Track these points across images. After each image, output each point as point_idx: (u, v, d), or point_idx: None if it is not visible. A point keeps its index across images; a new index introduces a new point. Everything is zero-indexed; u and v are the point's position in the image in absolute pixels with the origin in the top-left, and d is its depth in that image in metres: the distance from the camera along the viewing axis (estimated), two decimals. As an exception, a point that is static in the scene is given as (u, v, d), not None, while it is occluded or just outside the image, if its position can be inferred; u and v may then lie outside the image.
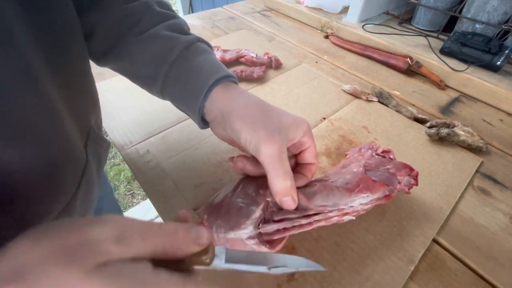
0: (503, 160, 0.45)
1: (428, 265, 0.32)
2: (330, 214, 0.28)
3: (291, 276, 0.30)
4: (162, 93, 0.33)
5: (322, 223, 0.28)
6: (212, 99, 0.29)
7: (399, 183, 0.32)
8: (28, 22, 0.21)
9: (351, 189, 0.29)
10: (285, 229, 0.27)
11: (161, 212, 0.36)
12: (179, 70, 0.31)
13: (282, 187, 0.25)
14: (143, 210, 1.37)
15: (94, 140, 0.35)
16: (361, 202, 0.29)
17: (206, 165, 0.42)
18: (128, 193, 1.45)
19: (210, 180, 0.40)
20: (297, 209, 0.27)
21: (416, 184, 0.34)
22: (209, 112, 0.30)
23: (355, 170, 0.32)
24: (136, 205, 1.40)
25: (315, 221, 0.27)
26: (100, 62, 0.35)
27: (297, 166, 0.30)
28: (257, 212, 0.26)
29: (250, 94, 0.30)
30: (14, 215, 0.24)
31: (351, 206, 0.29)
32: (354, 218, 0.29)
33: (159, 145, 0.45)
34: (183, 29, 0.34)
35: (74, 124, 0.29)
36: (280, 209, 0.27)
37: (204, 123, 0.32)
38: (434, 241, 0.35)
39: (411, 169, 0.34)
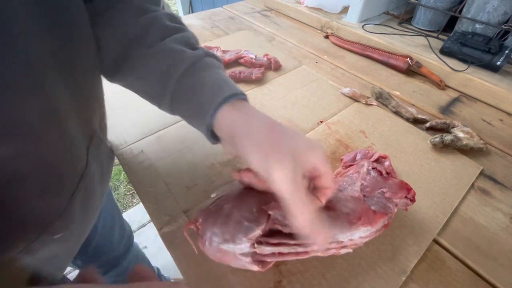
0: (503, 160, 0.45)
1: (428, 265, 0.32)
2: (329, 246, 0.28)
3: (278, 283, 0.30)
4: (172, 111, 0.32)
5: (319, 254, 0.27)
6: (219, 119, 0.28)
7: (396, 205, 0.32)
8: (39, 19, 0.20)
9: (353, 221, 0.29)
10: (280, 254, 0.26)
11: (151, 214, 0.36)
12: (186, 88, 0.30)
13: (303, 220, 0.23)
14: (143, 211, 1.37)
15: (97, 145, 0.34)
16: (361, 235, 0.29)
17: (199, 167, 0.41)
18: (128, 193, 1.45)
19: (202, 182, 0.39)
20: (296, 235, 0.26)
21: (413, 202, 0.33)
22: (218, 131, 0.29)
23: (352, 195, 0.32)
24: (136, 205, 1.40)
25: (312, 250, 0.27)
26: (109, 77, 0.34)
27: (313, 187, 0.28)
28: (256, 231, 0.26)
29: (261, 113, 0.28)
30: (8, 214, 0.24)
31: (351, 239, 0.29)
32: (351, 251, 0.29)
33: (153, 145, 0.45)
34: (190, 42, 0.33)
35: (78, 124, 0.28)
36: (283, 225, 0.27)
37: (215, 139, 0.31)
38: (434, 241, 0.34)
39: (408, 190, 0.33)
